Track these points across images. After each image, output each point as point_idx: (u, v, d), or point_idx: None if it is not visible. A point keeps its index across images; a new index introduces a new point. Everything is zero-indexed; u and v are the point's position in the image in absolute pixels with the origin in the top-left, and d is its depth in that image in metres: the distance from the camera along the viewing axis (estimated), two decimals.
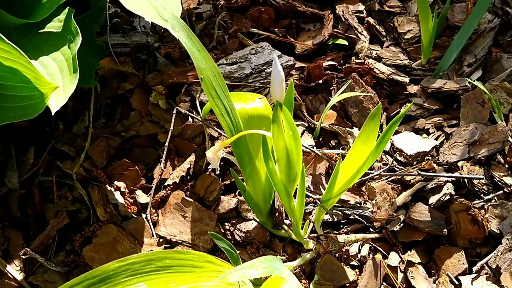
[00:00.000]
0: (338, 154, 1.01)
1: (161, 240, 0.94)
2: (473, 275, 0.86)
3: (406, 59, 1.19)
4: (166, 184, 1.00)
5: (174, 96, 1.14)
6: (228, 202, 0.96)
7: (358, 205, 0.95)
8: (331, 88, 1.12)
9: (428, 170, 0.99)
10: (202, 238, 0.92)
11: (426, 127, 1.07)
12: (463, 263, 0.88)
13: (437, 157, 1.02)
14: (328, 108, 1.02)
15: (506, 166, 0.98)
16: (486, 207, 0.92)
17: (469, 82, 1.08)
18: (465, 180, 0.94)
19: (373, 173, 0.96)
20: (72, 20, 0.83)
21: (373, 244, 0.91)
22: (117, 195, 1.01)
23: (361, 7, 1.28)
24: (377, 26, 1.25)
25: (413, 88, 1.13)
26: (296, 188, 0.81)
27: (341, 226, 0.94)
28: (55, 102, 0.74)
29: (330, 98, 1.10)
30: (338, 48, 1.23)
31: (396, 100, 1.13)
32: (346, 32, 1.24)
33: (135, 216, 0.98)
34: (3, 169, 1.04)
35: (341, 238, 0.90)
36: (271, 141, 0.76)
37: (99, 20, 1.17)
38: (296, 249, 0.93)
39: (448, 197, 0.91)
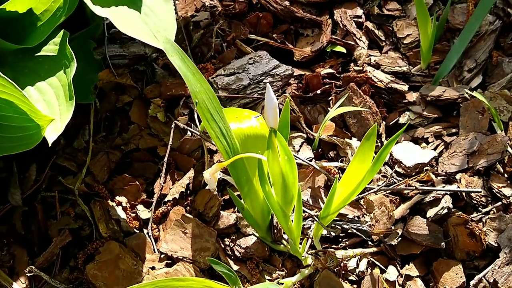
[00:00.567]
0: (336, 167, 1.01)
1: (162, 256, 0.95)
2: None
3: (405, 65, 1.18)
4: (166, 199, 1.01)
5: (172, 109, 1.14)
6: (228, 217, 0.97)
7: (357, 219, 0.96)
8: (330, 98, 1.11)
9: (427, 182, 0.99)
10: (202, 254, 0.94)
11: (425, 136, 1.07)
12: (461, 277, 0.88)
13: (436, 167, 1.02)
14: (326, 121, 1.02)
15: (506, 176, 0.98)
16: (484, 220, 0.92)
17: (469, 91, 1.07)
18: (463, 193, 0.94)
19: (372, 188, 0.97)
20: (67, 44, 0.83)
21: (371, 259, 0.92)
22: (119, 210, 1.02)
23: (359, 11, 1.27)
24: (376, 31, 1.24)
25: (412, 96, 1.12)
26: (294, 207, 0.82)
27: (340, 240, 0.95)
28: (52, 131, 0.75)
29: (328, 108, 1.10)
30: (337, 54, 1.22)
31: (395, 108, 1.13)
32: (344, 38, 1.23)
33: (137, 231, 1.00)
34: (6, 186, 1.06)
35: (339, 253, 0.91)
36: (267, 164, 0.77)
37: (97, 32, 1.17)
38: (295, 263, 0.94)
39: (446, 210, 0.92)
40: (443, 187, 0.97)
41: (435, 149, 1.05)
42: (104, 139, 1.14)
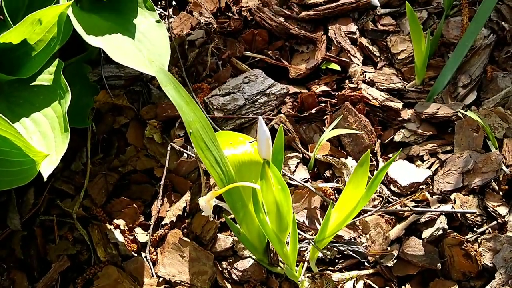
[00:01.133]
0: (332, 187, 1.02)
1: (160, 280, 0.96)
2: None
3: (400, 82, 1.18)
4: (163, 223, 1.02)
5: (168, 130, 1.15)
6: (225, 240, 0.98)
7: (353, 240, 0.96)
8: (325, 117, 1.12)
9: (422, 202, 1.00)
10: (200, 278, 0.94)
11: (420, 154, 1.07)
12: None
13: (431, 185, 1.02)
14: (321, 142, 1.02)
15: (500, 194, 0.99)
16: (479, 240, 0.93)
17: (462, 111, 1.07)
18: (458, 213, 0.95)
19: (367, 210, 0.97)
20: (61, 76, 0.84)
21: (368, 280, 0.92)
22: (117, 233, 1.03)
23: (353, 27, 1.27)
24: (370, 47, 1.25)
25: (406, 113, 1.12)
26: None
27: (336, 261, 0.96)
28: (47, 164, 0.75)
29: (323, 127, 1.10)
30: (332, 71, 1.22)
31: (390, 126, 1.13)
32: (339, 54, 1.23)
33: (135, 255, 1.00)
34: (4, 211, 1.07)
35: (336, 276, 0.91)
36: (261, 193, 0.77)
37: (93, 54, 1.17)
38: (292, 285, 0.94)
39: (441, 231, 0.92)
40: (438, 206, 0.97)
41: (430, 167, 1.05)
42: (101, 161, 1.14)
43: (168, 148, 1.08)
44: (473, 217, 0.95)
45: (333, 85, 1.19)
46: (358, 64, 1.21)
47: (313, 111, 1.12)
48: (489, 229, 0.94)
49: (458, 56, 1.16)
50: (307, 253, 0.96)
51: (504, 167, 0.99)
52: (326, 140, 1.08)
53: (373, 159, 1.08)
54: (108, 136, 1.17)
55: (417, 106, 1.13)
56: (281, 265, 0.95)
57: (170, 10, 1.40)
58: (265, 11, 1.31)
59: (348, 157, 1.07)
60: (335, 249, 0.95)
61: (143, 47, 0.92)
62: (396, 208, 0.99)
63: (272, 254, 0.93)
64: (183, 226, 1.02)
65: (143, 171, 1.12)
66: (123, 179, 1.12)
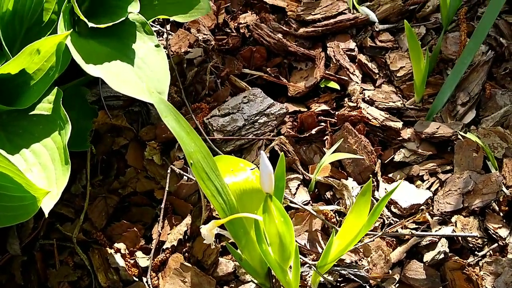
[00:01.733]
0: (333, 210, 1.02)
1: None
2: None
3: (399, 100, 1.18)
4: (164, 247, 1.02)
5: (168, 151, 1.14)
6: (226, 265, 0.98)
7: (354, 263, 0.96)
8: (325, 138, 1.12)
9: (423, 223, 1.00)
10: None
11: (420, 174, 1.08)
12: None
13: (432, 205, 1.02)
14: (321, 166, 1.02)
15: (501, 215, 0.99)
16: (480, 264, 0.93)
17: (462, 132, 1.07)
18: (459, 237, 0.95)
19: (369, 234, 0.97)
20: (61, 106, 0.83)
21: None
22: (118, 257, 1.02)
23: (352, 44, 1.27)
24: (369, 64, 1.24)
25: (406, 132, 1.12)
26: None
27: (338, 284, 0.96)
28: (49, 200, 0.75)
29: (324, 149, 1.10)
30: (331, 89, 1.22)
31: (390, 145, 1.13)
32: (338, 73, 1.23)
33: (136, 279, 1.00)
34: (4, 236, 1.06)
35: None
36: (263, 223, 0.77)
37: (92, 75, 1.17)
38: None
39: (442, 255, 0.93)
40: (439, 229, 0.98)
41: (430, 187, 1.05)
42: (101, 182, 1.14)
43: (168, 171, 1.08)
44: (474, 240, 0.95)
45: (332, 103, 1.19)
46: (357, 82, 1.21)
47: (313, 131, 1.12)
48: (490, 251, 0.95)
49: (456, 73, 1.15)
50: (309, 277, 0.96)
51: (504, 188, 0.99)
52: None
53: (374, 180, 1.08)
54: (108, 157, 1.17)
55: (416, 125, 1.13)
56: None
57: (168, 27, 1.39)
58: (263, 27, 1.30)
59: (348, 178, 1.07)
60: (336, 273, 0.95)
61: (143, 74, 0.92)
62: (397, 231, 0.99)
63: (274, 280, 0.93)
64: (184, 250, 1.02)
65: (143, 193, 1.12)
66: (123, 201, 1.12)
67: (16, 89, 0.88)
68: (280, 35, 1.30)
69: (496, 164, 1.03)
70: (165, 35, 1.33)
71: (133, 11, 0.96)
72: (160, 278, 1.00)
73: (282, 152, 0.84)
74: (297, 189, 1.05)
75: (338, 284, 0.96)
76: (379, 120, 1.12)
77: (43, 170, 0.80)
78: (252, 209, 0.86)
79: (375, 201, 1.03)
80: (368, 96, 1.18)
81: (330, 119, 1.15)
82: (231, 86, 1.25)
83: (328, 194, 1.06)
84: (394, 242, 0.99)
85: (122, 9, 0.98)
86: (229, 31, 1.36)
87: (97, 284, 1.00)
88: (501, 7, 1.13)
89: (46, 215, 0.73)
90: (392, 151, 1.12)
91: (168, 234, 1.04)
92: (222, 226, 0.95)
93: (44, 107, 0.87)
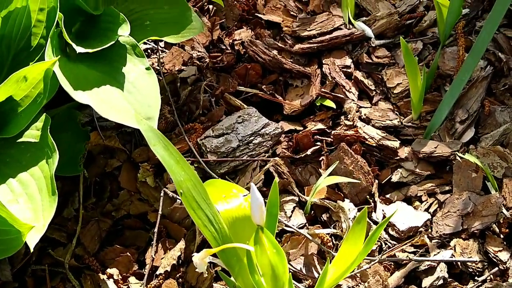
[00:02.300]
0: (329, 233, 1.00)
1: None
2: None
3: (396, 118, 1.16)
4: (158, 273, 1.00)
5: (161, 173, 1.13)
6: None
7: None
8: (320, 158, 1.10)
9: (421, 246, 0.98)
10: None
11: (418, 194, 1.05)
12: None
13: (430, 227, 1.00)
14: (317, 188, 1.00)
15: (501, 237, 0.97)
16: None
17: (460, 154, 1.05)
18: (459, 262, 0.93)
19: (366, 258, 0.95)
20: (48, 135, 0.82)
21: None
22: (110, 283, 1.01)
23: (348, 61, 1.25)
24: (365, 80, 1.22)
25: (404, 151, 1.10)
26: None
27: None
28: (34, 233, 0.73)
29: (319, 170, 1.08)
30: (327, 107, 1.20)
31: (387, 165, 1.11)
32: (334, 90, 1.21)
33: None
34: None
35: None
36: (255, 256, 0.75)
37: None
38: None
39: (441, 281, 0.90)
40: (438, 252, 0.95)
41: (428, 208, 1.03)
42: (94, 205, 1.12)
43: (161, 194, 1.06)
44: (473, 264, 0.93)
45: (328, 122, 1.17)
46: (353, 100, 1.19)
47: (309, 152, 1.10)
48: (491, 276, 0.92)
49: (455, 90, 1.13)
50: None
51: (504, 210, 0.97)
52: None
53: (371, 201, 1.06)
54: (101, 179, 1.15)
55: (414, 144, 1.11)
56: None
57: (162, 44, 1.38)
58: (258, 44, 1.29)
59: (345, 199, 1.05)
60: None
61: (133, 99, 0.90)
62: (395, 254, 0.97)
63: None
64: (178, 275, 1.00)
65: (136, 215, 1.10)
66: (116, 224, 1.10)
67: (3, 117, 0.87)
68: (275, 52, 1.28)
69: (496, 184, 1.01)
70: (158, 53, 1.32)
71: (123, 34, 0.94)
72: None
73: (276, 178, 0.82)
74: (292, 211, 1.03)
75: None
76: (375, 139, 1.10)
77: (30, 201, 0.78)
78: (245, 237, 0.84)
79: (372, 224, 1.01)
80: (365, 114, 1.16)
81: (326, 138, 1.14)
82: (225, 105, 1.23)
83: (325, 216, 1.04)
84: (392, 266, 0.97)
85: (113, 31, 0.96)
86: (224, 47, 1.34)
87: None
88: (500, 21, 1.11)
89: (31, 250, 0.71)
90: (390, 170, 1.09)
91: (161, 259, 1.03)
92: (214, 254, 0.93)
93: (32, 134, 0.86)
